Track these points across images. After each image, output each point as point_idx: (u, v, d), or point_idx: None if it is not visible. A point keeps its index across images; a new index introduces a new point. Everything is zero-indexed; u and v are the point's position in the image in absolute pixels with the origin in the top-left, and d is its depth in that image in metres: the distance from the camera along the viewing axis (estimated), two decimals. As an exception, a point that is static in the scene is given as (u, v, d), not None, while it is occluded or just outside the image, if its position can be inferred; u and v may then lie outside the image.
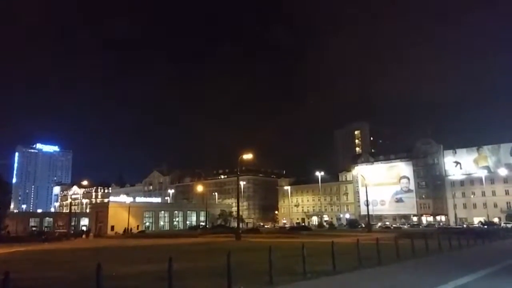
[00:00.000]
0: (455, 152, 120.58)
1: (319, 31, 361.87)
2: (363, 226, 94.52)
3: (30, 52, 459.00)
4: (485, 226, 79.24)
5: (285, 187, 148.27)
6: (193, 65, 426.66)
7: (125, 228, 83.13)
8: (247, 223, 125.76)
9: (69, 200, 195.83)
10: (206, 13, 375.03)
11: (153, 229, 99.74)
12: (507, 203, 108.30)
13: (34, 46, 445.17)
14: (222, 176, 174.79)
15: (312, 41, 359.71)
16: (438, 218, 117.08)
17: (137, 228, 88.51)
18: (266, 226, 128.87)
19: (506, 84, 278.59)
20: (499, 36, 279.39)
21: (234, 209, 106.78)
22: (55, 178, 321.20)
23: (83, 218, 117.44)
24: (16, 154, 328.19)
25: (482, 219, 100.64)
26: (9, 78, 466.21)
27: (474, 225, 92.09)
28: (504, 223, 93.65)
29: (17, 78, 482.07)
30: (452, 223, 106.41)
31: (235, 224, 69.94)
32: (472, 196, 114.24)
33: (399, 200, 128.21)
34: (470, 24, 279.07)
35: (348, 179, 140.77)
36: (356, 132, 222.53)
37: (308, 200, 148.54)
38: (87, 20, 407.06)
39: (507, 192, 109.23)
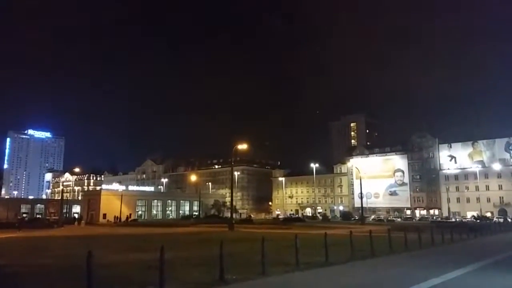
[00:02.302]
0: (450, 146, 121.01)
1: (316, 24, 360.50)
2: (357, 218, 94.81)
3: (24, 38, 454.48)
4: (478, 221, 79.73)
5: (280, 178, 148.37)
6: (188, 55, 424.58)
7: (115, 216, 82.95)
8: (240, 213, 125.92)
9: (61, 187, 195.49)
10: (206, 2, 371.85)
11: (146, 218, 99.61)
12: (500, 197, 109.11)
13: (28, 32, 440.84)
14: (216, 166, 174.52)
15: (307, 33, 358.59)
16: (431, 211, 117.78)
17: (130, 216, 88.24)
18: (259, 217, 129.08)
19: (502, 79, 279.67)
20: (496, 31, 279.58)
21: (228, 199, 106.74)
22: (47, 165, 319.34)
23: (75, 205, 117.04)
24: (8, 139, 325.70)
25: (475, 213, 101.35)
26: (1, 63, 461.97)
27: (467, 219, 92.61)
28: (496, 217, 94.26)
29: (10, 64, 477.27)
30: (445, 217, 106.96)
31: (229, 214, 69.92)
32: (466, 191, 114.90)
33: (393, 193, 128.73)
34: (468, 18, 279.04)
35: (342, 171, 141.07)
36: (352, 125, 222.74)
37: (302, 192, 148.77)
38: (84, 6, 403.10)
39: (500, 187, 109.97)
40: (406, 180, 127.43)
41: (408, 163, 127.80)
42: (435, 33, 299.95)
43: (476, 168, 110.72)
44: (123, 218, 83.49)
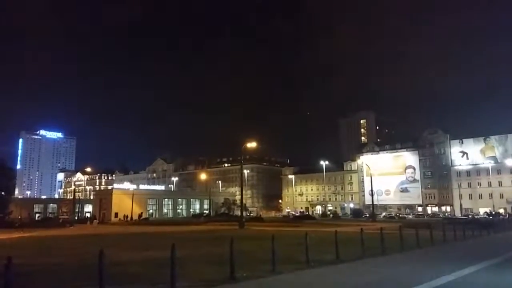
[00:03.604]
0: (462, 142, 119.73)
1: (322, 18, 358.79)
2: (368, 215, 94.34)
3: (33, 39, 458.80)
4: (491, 217, 78.90)
5: (289, 176, 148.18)
6: (195, 53, 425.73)
7: (124, 215, 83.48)
8: (250, 211, 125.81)
9: (73, 186, 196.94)
10: (207, 1, 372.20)
11: (157, 216, 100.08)
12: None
13: (35, 32, 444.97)
14: (226, 164, 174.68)
15: (314, 28, 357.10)
16: (443, 208, 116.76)
17: (141, 215, 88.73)
18: (269, 215, 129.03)
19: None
20: (508, 25, 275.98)
21: (238, 197, 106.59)
22: (59, 165, 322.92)
23: (87, 204, 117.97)
24: (20, 140, 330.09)
25: (487, 209, 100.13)
26: (12, 64, 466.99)
27: (480, 216, 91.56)
28: (509, 213, 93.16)
29: (20, 65, 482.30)
30: (457, 213, 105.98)
31: (239, 213, 69.84)
32: (478, 187, 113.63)
33: (404, 190, 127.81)
34: (479, 12, 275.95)
35: (353, 168, 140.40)
36: (361, 121, 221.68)
37: (312, 189, 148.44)
38: (87, 7, 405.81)
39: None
40: (417, 176, 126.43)
41: (419, 160, 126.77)
42: (445, 29, 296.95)
43: (489, 164, 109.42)
44: (135, 217, 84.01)
